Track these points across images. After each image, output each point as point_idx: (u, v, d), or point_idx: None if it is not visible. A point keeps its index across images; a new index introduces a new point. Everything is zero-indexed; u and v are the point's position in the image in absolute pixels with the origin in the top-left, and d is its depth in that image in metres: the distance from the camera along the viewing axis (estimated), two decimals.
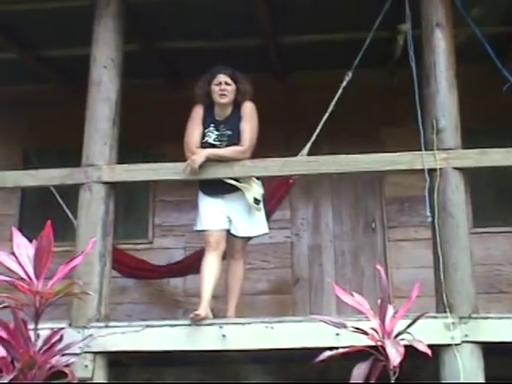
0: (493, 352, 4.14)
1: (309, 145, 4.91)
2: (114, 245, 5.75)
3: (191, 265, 5.85)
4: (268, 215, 4.92)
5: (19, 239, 3.72)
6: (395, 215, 6.71)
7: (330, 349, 3.46)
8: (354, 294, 3.44)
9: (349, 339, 3.67)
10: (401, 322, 3.35)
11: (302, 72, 6.78)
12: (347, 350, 3.25)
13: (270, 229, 5.00)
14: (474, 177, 6.24)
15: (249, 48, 6.25)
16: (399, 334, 3.28)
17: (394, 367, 2.99)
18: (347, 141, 6.37)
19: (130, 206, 6.95)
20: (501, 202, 6.68)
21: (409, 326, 3.31)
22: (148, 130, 6.77)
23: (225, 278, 4.85)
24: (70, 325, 4.35)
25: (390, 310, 3.30)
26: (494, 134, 6.24)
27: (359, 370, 3.12)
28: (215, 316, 4.72)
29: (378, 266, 3.35)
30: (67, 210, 5.88)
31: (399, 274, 6.46)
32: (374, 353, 3.21)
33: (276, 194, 5.32)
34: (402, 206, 6.70)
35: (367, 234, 6.74)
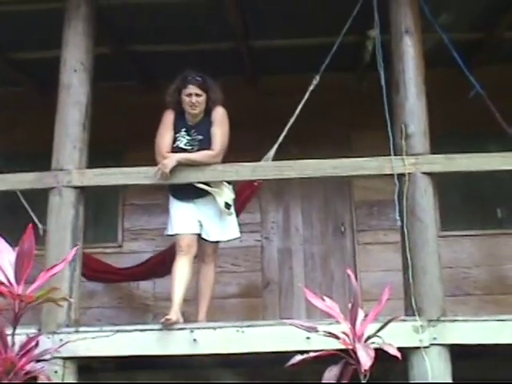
0: (460, 354, 4.21)
1: (274, 148, 4.88)
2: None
3: (154, 267, 5.86)
4: None
5: (0, 244, 3.69)
6: (364, 219, 6.77)
7: (301, 352, 3.50)
8: (325, 298, 3.47)
9: (319, 343, 3.70)
10: (371, 326, 3.39)
11: (274, 76, 6.81)
12: (318, 354, 3.28)
13: (240, 232, 5.01)
14: (441, 181, 6.36)
15: (221, 51, 6.27)
16: (369, 337, 3.32)
17: (365, 371, 3.01)
18: (316, 145, 6.42)
19: (100, 209, 6.88)
20: (467, 206, 6.78)
21: (379, 329, 3.35)
22: (121, 134, 6.74)
23: (196, 282, 4.85)
24: (40, 330, 4.32)
25: (361, 314, 3.33)
26: (461, 138, 6.35)
27: (330, 373, 3.15)
28: (186, 320, 4.71)
29: (349, 271, 3.38)
30: (33, 215, 5.81)
31: (368, 277, 6.51)
32: (345, 356, 3.24)
33: (240, 196, 5.29)
34: (371, 210, 6.76)
35: (337, 237, 6.80)
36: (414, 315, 4.24)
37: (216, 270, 4.93)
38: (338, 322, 3.39)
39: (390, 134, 4.66)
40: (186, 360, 4.47)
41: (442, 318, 4.26)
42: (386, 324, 3.37)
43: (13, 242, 6.08)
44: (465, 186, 6.69)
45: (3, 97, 6.95)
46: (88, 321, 6.23)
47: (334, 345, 3.45)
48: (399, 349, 4.12)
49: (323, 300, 3.42)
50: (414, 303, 4.28)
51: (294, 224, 6.86)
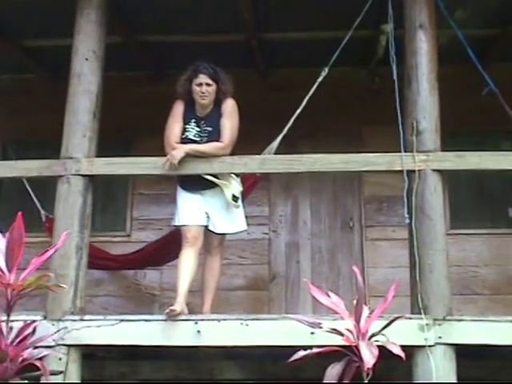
0: (465, 354, 4.18)
1: (278, 140, 4.85)
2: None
3: (149, 255, 5.87)
4: None
5: None
6: (373, 214, 6.73)
7: (305, 348, 3.47)
8: (330, 293, 3.45)
9: (324, 338, 3.67)
10: (376, 323, 3.36)
11: (286, 69, 6.78)
12: (321, 350, 3.26)
13: (247, 225, 5.00)
14: (452, 179, 6.33)
15: (233, 43, 6.23)
16: (374, 335, 3.29)
17: (368, 369, 2.99)
18: (328, 140, 6.39)
19: (109, 198, 6.91)
20: (478, 205, 6.73)
21: (384, 327, 3.33)
22: (131, 123, 6.73)
23: (201, 273, 4.84)
24: (45, 317, 4.33)
25: (366, 311, 3.30)
26: (475, 136, 6.30)
27: (333, 371, 3.13)
28: (191, 311, 4.72)
29: (355, 268, 3.34)
30: (36, 201, 5.87)
31: (376, 273, 6.50)
32: (349, 354, 3.22)
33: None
34: (380, 206, 6.72)
35: (345, 232, 6.76)
36: (420, 313, 4.20)
37: (222, 262, 4.91)
38: (342, 319, 3.36)
39: (401, 130, 4.62)
40: (191, 351, 4.46)
41: (448, 317, 4.22)
42: (390, 322, 3.35)
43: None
44: (476, 184, 6.65)
45: (16, 83, 7.00)
46: (94, 309, 6.26)
47: (338, 341, 3.42)
48: (404, 347, 4.10)
49: (328, 296, 3.39)
50: (420, 301, 4.24)
51: (303, 218, 6.83)
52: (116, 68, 6.28)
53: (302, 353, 3.27)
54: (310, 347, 3.34)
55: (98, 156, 4.79)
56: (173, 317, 4.26)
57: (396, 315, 3.49)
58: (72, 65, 4.84)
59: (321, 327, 3.33)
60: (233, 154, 4.70)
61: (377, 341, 3.19)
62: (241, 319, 4.29)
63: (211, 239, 4.76)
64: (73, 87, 4.78)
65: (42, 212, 5.86)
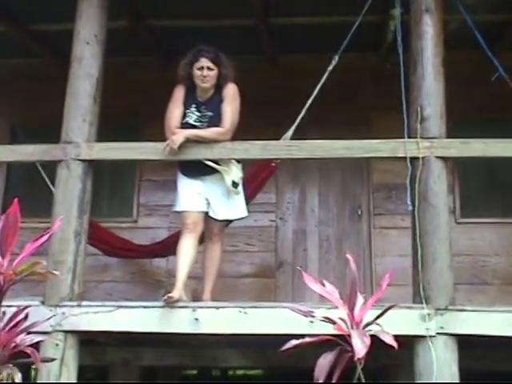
0: (467, 344, 4.11)
1: (293, 128, 4.82)
2: (98, 223, 5.77)
3: (173, 245, 5.81)
4: (247, 199, 4.84)
5: None
6: (382, 202, 6.65)
7: (303, 336, 3.42)
8: (325, 282, 3.38)
9: (322, 327, 3.59)
10: (371, 312, 3.29)
11: (294, 55, 6.71)
12: (314, 339, 3.20)
13: (255, 212, 4.95)
14: (462, 166, 6.22)
15: (240, 28, 6.17)
16: (368, 324, 3.23)
17: (359, 359, 2.93)
18: (336, 127, 6.29)
19: (116, 184, 6.90)
20: (489, 193, 6.62)
21: (378, 316, 3.26)
22: (137, 109, 6.69)
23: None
24: (43, 302, 4.33)
25: (360, 300, 3.24)
26: (484, 123, 6.17)
27: (325, 360, 3.07)
28: (197, 298, 4.69)
29: (348, 256, 3.27)
30: (51, 186, 5.84)
31: (384, 261, 6.43)
32: (342, 343, 3.16)
33: (257, 177, 5.24)
34: (389, 194, 6.63)
35: (353, 220, 6.69)
36: (422, 303, 4.13)
37: (223, 249, 4.85)
38: (336, 308, 3.29)
39: (405, 116, 4.53)
40: (191, 338, 4.44)
41: (451, 307, 4.15)
42: (385, 311, 3.28)
43: (30, 211, 6.22)
44: (487, 172, 6.53)
45: (21, 68, 6.98)
46: (100, 295, 6.27)
47: (334, 330, 3.37)
48: (405, 337, 4.06)
49: (323, 284, 3.33)
50: (421, 291, 4.17)
51: (310, 205, 6.77)
52: (122, 53, 6.27)
53: (294, 342, 3.21)
54: (303, 336, 3.28)
55: (105, 141, 4.74)
56: (170, 304, 4.22)
57: (390, 304, 3.41)
58: (73, 48, 4.81)
59: (313, 316, 3.27)
60: (235, 139, 4.63)
61: (370, 330, 3.11)
62: (239, 307, 4.24)
63: (212, 226, 4.71)
64: (73, 71, 4.75)
65: None
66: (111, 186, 6.84)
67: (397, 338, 3.20)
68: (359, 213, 6.67)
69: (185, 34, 6.21)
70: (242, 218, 4.82)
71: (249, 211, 4.87)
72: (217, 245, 4.75)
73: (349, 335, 3.11)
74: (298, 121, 4.89)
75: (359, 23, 5.01)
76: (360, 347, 2.93)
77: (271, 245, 6.70)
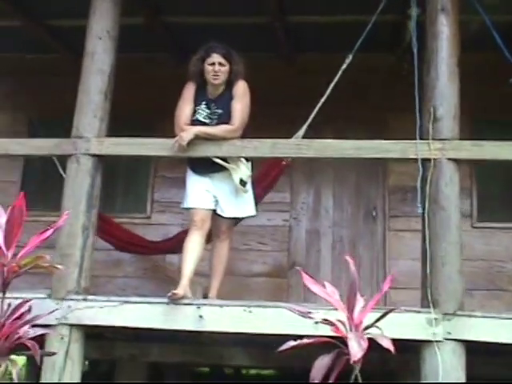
0: (476, 351, 4.03)
1: (304, 127, 4.80)
2: (109, 217, 5.79)
3: (183, 242, 5.81)
4: (257, 198, 4.81)
5: None
6: (397, 204, 6.57)
7: (308, 337, 3.38)
8: (326, 283, 3.34)
9: (327, 329, 3.56)
10: (371, 315, 3.24)
11: (310, 54, 6.66)
12: (312, 340, 3.16)
13: (268, 211, 4.92)
14: (479, 169, 6.12)
15: (256, 26, 6.14)
16: (368, 327, 3.17)
17: (355, 361, 2.88)
18: (351, 127, 6.25)
19: (130, 180, 6.92)
20: (507, 198, 6.50)
21: (378, 319, 3.20)
22: (151, 105, 6.66)
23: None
24: (50, 296, 4.34)
25: (360, 302, 3.19)
26: (501, 126, 6.07)
27: (322, 362, 3.03)
28: (206, 295, 4.67)
29: (347, 257, 3.22)
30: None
31: (398, 264, 6.36)
32: (340, 345, 3.11)
33: (267, 176, 5.20)
34: (405, 196, 6.53)
35: (367, 222, 6.62)
36: (429, 307, 4.06)
37: (231, 247, 4.82)
38: (335, 309, 3.25)
39: (418, 116, 4.47)
40: (196, 335, 4.42)
41: (459, 313, 4.07)
42: (384, 314, 3.22)
43: (46, 204, 6.25)
44: (506, 175, 6.40)
45: (39, 62, 7.05)
46: (112, 290, 6.29)
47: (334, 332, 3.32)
48: (411, 341, 4.00)
49: (323, 286, 3.28)
50: (429, 295, 4.10)
51: (324, 206, 6.72)
52: (137, 49, 6.27)
53: (291, 343, 3.17)
54: (301, 337, 3.24)
55: (117, 137, 4.73)
56: (175, 300, 4.21)
57: (390, 307, 3.36)
58: (86, 44, 4.82)
59: (310, 317, 3.23)
60: (247, 136, 4.61)
61: (368, 333, 3.06)
62: (244, 306, 4.21)
63: (219, 223, 4.69)
64: (85, 66, 4.76)
65: None
66: (126, 182, 6.86)
67: (403, 341, 3.15)
68: (374, 214, 6.60)
69: (198, 32, 6.19)
70: (250, 217, 4.79)
71: (261, 210, 4.85)
72: (224, 243, 4.72)
73: (347, 337, 3.06)
74: (309, 120, 4.85)
75: (375, 23, 4.97)
76: (356, 350, 2.88)
77: (284, 244, 6.66)
